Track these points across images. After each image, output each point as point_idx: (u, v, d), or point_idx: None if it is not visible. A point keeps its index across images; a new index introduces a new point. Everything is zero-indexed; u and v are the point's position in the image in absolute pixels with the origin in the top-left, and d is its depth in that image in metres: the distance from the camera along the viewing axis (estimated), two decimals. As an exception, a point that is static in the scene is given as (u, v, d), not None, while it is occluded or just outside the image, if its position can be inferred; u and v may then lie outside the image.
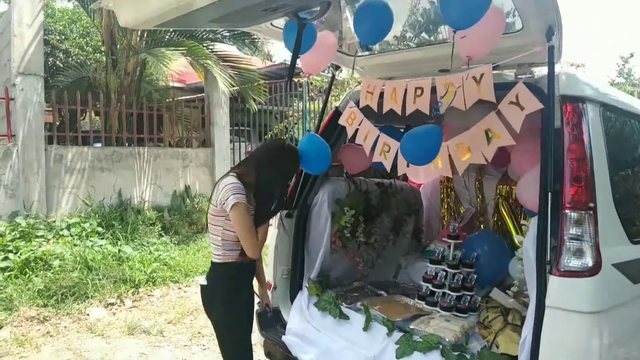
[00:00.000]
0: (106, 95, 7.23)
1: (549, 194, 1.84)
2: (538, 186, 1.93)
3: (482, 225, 3.37)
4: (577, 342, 1.69)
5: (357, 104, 2.72)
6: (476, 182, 3.42)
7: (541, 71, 2.26)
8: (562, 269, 1.74)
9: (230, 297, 2.31)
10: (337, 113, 2.96)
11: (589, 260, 1.73)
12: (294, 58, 2.25)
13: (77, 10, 10.49)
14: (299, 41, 2.17)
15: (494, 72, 2.15)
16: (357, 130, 2.72)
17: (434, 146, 2.09)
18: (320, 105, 9.51)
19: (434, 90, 2.31)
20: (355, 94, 2.94)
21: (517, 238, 2.34)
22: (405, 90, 2.42)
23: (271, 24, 2.56)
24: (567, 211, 1.80)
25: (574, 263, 1.73)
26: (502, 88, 2.07)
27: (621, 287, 1.84)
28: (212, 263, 2.34)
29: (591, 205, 1.80)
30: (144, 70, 7.97)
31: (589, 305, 1.69)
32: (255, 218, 2.26)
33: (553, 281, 1.74)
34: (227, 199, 2.15)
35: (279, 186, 2.39)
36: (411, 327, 2.43)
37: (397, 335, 2.40)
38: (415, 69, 2.76)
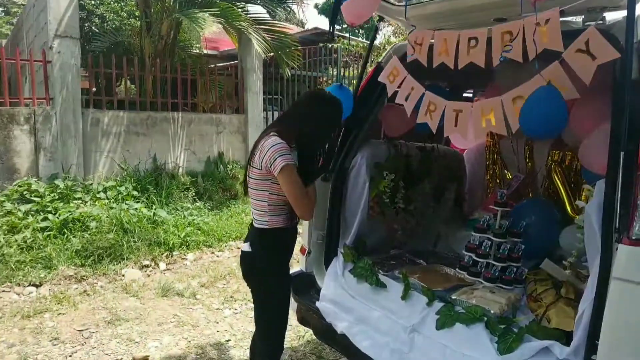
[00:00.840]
0: (141, 60, 7.20)
1: (622, 153, 1.62)
2: (607, 146, 1.72)
3: (530, 194, 3.14)
4: (648, 318, 1.50)
5: (402, 59, 2.51)
6: (526, 146, 3.17)
7: (614, 17, 2.01)
8: (634, 237, 1.53)
9: (280, 263, 2.21)
10: (379, 69, 2.76)
11: (667, 228, 1.52)
12: (337, 5, 2.06)
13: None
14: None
15: (560, 19, 1.92)
16: (398, 88, 2.53)
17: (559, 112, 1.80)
18: (357, 72, 9.30)
19: (489, 41, 2.08)
20: (400, 48, 2.73)
21: (579, 203, 2.13)
22: (458, 41, 2.21)
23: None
24: (642, 173, 1.58)
25: (649, 231, 1.53)
26: (568, 37, 1.82)
27: None
28: (257, 229, 2.15)
29: (672, 165, 1.57)
30: (177, 34, 7.86)
31: (666, 277, 1.49)
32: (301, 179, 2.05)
33: (623, 250, 1.54)
34: (274, 161, 1.96)
35: (325, 142, 2.24)
36: (453, 297, 2.28)
37: (437, 305, 2.26)
38: (466, 18, 2.51)
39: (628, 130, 1.63)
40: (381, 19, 2.76)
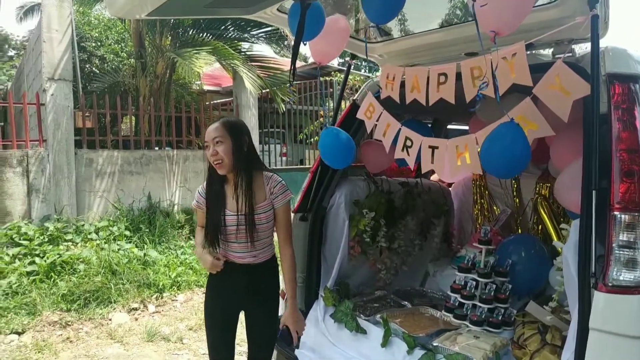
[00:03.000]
0: (136, 99, 7.27)
1: (594, 192, 1.53)
2: (580, 183, 1.63)
3: (519, 229, 3.03)
4: (629, 373, 1.37)
5: (377, 95, 2.47)
6: (512, 180, 3.08)
7: (584, 49, 1.94)
8: (610, 284, 1.43)
9: (210, 291, 2.31)
10: (355, 106, 2.72)
11: (644, 274, 1.41)
12: (297, 44, 2.02)
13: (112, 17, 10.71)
14: (302, 24, 1.94)
15: (528, 52, 1.86)
16: (376, 123, 2.47)
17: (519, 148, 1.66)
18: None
19: (459, 76, 2.02)
20: (374, 84, 2.70)
21: (556, 244, 2.02)
22: (428, 77, 2.15)
23: (278, 9, 2.35)
24: (616, 213, 1.49)
25: (625, 276, 1.42)
26: (538, 70, 1.75)
27: (686, 305, 1.50)
28: None
29: (646, 205, 1.47)
30: (173, 73, 7.97)
31: (645, 329, 1.37)
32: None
33: (599, 298, 1.43)
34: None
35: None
36: (435, 344, 2.15)
37: (418, 353, 2.13)
38: (439, 53, 2.47)
39: (599, 166, 1.55)
40: (353, 56, 2.73)
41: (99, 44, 10.44)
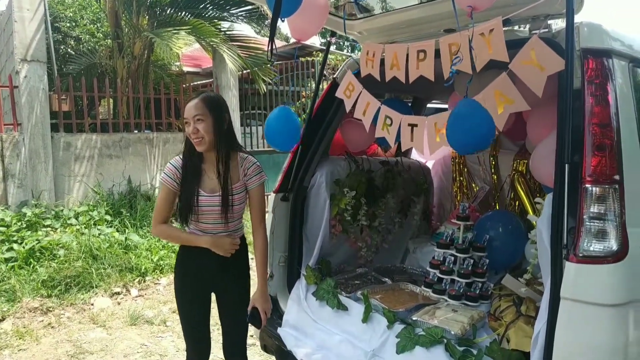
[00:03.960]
0: (113, 81, 7.12)
1: (567, 165, 1.55)
2: (554, 157, 1.65)
3: (497, 205, 3.08)
4: (598, 339, 1.42)
5: (357, 74, 2.45)
6: (490, 157, 3.12)
7: (560, 25, 1.96)
8: (580, 254, 1.46)
9: (176, 275, 2.31)
10: (335, 85, 2.70)
11: (613, 244, 1.45)
12: (274, 21, 1.99)
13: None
14: (279, 0, 1.91)
15: (505, 28, 1.87)
16: (356, 103, 2.47)
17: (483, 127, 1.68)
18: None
19: (438, 53, 2.02)
20: (353, 62, 2.68)
21: (531, 218, 2.06)
22: (407, 54, 2.15)
23: (254, -14, 2.31)
24: (587, 185, 1.52)
25: (595, 247, 1.45)
26: (515, 46, 1.76)
27: (653, 273, 1.55)
28: None
29: (616, 178, 1.51)
30: (151, 54, 7.80)
31: (612, 296, 1.41)
32: None
33: (570, 268, 1.47)
34: None
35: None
36: (414, 318, 2.19)
37: (398, 327, 2.16)
38: (418, 30, 2.47)
39: (572, 140, 1.57)
40: (333, 33, 2.70)
41: (74, 24, 10.13)
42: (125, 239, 5.29)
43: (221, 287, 2.27)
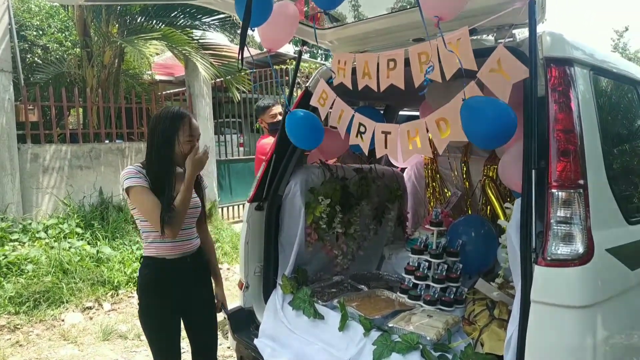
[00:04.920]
0: (83, 90, 6.97)
1: (533, 171, 1.60)
2: (521, 163, 1.69)
3: (469, 210, 3.13)
4: (567, 340, 1.46)
5: (330, 82, 2.47)
6: (462, 163, 3.17)
7: (524, 34, 2.01)
8: (548, 258, 1.50)
9: (147, 296, 2.15)
10: (307, 93, 2.72)
11: (579, 247, 1.49)
12: (244, 30, 1.99)
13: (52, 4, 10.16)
14: (249, 9, 1.91)
15: (472, 37, 1.91)
16: (330, 110, 2.49)
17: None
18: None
19: (407, 62, 2.05)
20: (326, 71, 2.69)
21: (501, 222, 2.10)
22: (378, 63, 2.17)
23: (224, -4, 2.31)
24: (553, 190, 1.56)
25: (562, 250, 1.50)
26: (482, 55, 1.81)
27: (617, 275, 1.61)
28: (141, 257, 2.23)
29: (581, 182, 1.56)
30: (122, 62, 7.68)
31: (579, 298, 1.45)
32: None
33: (539, 272, 1.51)
34: (123, 187, 2.02)
35: (166, 159, 2.07)
36: (390, 325, 2.20)
37: (375, 334, 2.17)
38: (388, 39, 2.50)
39: (538, 146, 1.61)
40: (304, 42, 2.71)
41: (41, 32, 9.87)
42: (97, 251, 5.16)
43: (193, 297, 2.25)
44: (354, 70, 2.30)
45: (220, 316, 3.08)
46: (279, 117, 3.81)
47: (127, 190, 2.01)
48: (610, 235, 1.61)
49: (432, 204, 3.38)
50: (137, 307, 2.20)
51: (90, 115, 6.72)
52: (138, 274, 2.21)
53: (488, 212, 2.98)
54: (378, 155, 2.32)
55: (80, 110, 7.57)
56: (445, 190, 3.32)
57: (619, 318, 1.62)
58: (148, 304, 2.16)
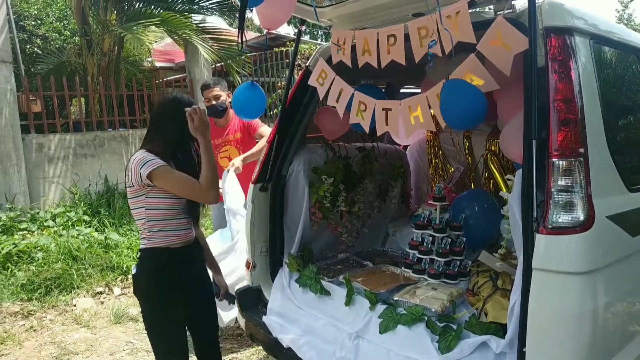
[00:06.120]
0: (84, 79, 6.98)
1: (534, 141, 1.60)
2: (522, 135, 1.70)
3: (472, 185, 3.15)
4: (567, 306, 1.48)
5: (329, 60, 2.47)
6: (464, 138, 3.18)
7: (524, 4, 2.00)
8: (550, 226, 1.52)
9: (158, 287, 2.03)
10: (308, 73, 2.71)
11: (580, 214, 1.51)
12: (242, 9, 1.99)
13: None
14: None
15: (471, 10, 1.90)
16: (329, 90, 2.48)
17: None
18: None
19: (407, 37, 2.05)
20: (326, 49, 2.68)
21: (503, 194, 2.12)
22: (378, 40, 2.17)
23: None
24: (554, 159, 1.57)
25: (563, 218, 1.51)
26: (481, 27, 1.80)
27: (618, 241, 1.63)
28: (140, 249, 2.10)
29: (581, 151, 1.57)
30: (121, 50, 7.66)
31: (580, 265, 1.47)
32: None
33: (540, 240, 1.53)
34: (141, 173, 1.92)
35: (178, 135, 2.05)
36: (395, 298, 2.24)
37: (380, 308, 2.22)
38: (387, 15, 2.48)
39: (539, 116, 1.62)
40: (303, 21, 2.70)
41: (39, 22, 9.87)
42: (105, 238, 5.23)
43: (196, 285, 2.21)
44: (353, 48, 2.29)
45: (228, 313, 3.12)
46: (213, 102, 3.62)
47: (151, 175, 1.91)
48: (611, 203, 1.63)
49: (435, 180, 3.39)
50: (141, 308, 2.12)
51: (92, 103, 6.73)
52: (137, 269, 2.07)
53: (491, 186, 2.99)
54: (379, 133, 2.33)
55: (82, 99, 7.59)
56: (448, 166, 3.33)
57: (620, 284, 1.64)
58: (157, 298, 2.04)
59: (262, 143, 3.45)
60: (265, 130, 3.63)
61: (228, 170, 3.33)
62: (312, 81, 2.55)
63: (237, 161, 3.43)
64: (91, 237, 5.20)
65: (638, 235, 1.72)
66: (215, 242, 3.29)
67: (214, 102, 3.62)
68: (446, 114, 1.85)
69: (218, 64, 7.73)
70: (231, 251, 3.24)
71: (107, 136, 6.66)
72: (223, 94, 3.68)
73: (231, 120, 3.78)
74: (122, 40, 7.47)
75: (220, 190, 3.19)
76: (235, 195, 3.32)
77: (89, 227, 5.52)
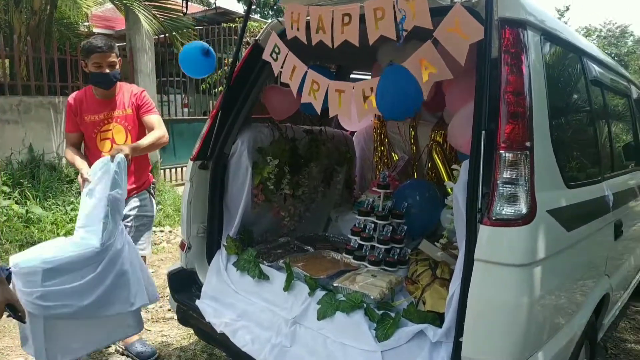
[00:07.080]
0: (10, 38, 6.38)
1: (483, 132, 1.60)
2: (471, 126, 1.70)
3: (415, 174, 3.17)
4: (506, 297, 1.51)
5: (281, 35, 2.36)
6: (410, 128, 3.19)
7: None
8: (493, 218, 1.53)
9: None
10: (257, 47, 2.59)
11: (523, 207, 1.53)
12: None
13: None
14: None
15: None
16: (282, 67, 2.37)
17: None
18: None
19: (363, 18, 1.98)
20: (277, 23, 2.56)
21: (447, 184, 2.13)
22: (332, 18, 2.09)
23: None
24: (501, 152, 1.58)
25: (507, 210, 1.52)
26: (439, 14, 1.77)
27: (555, 235, 1.66)
28: None
29: (528, 144, 1.58)
30: (54, 10, 7.06)
31: (520, 257, 1.49)
32: None
33: (483, 231, 1.53)
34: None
35: None
36: (335, 284, 2.21)
37: (320, 294, 2.17)
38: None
39: (489, 108, 1.62)
40: (255, -7, 2.57)
41: (-41, -29, 8.88)
42: (27, 212, 4.83)
43: None
44: (307, 25, 2.20)
45: None
46: (107, 71, 2.76)
47: None
48: (551, 197, 1.66)
49: (379, 168, 3.39)
50: None
51: (19, 66, 6.17)
52: None
53: (434, 176, 3.03)
54: (331, 115, 2.26)
55: (7, 60, 6.95)
56: (393, 155, 3.34)
57: (553, 277, 1.69)
58: None
59: (155, 136, 2.79)
60: (158, 122, 2.89)
61: (112, 159, 2.44)
62: (265, 55, 2.44)
63: (127, 149, 2.54)
64: (10, 209, 4.78)
65: (572, 230, 1.78)
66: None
67: (107, 71, 2.78)
68: (379, 101, 1.82)
69: (162, 35, 7.32)
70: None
71: (35, 102, 6.14)
72: (117, 62, 2.87)
73: (119, 91, 2.92)
74: (55, 0, 6.88)
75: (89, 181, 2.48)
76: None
77: (9, 198, 5.08)
